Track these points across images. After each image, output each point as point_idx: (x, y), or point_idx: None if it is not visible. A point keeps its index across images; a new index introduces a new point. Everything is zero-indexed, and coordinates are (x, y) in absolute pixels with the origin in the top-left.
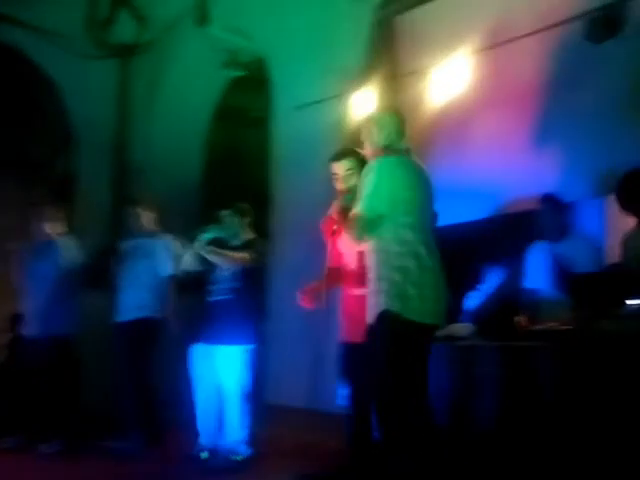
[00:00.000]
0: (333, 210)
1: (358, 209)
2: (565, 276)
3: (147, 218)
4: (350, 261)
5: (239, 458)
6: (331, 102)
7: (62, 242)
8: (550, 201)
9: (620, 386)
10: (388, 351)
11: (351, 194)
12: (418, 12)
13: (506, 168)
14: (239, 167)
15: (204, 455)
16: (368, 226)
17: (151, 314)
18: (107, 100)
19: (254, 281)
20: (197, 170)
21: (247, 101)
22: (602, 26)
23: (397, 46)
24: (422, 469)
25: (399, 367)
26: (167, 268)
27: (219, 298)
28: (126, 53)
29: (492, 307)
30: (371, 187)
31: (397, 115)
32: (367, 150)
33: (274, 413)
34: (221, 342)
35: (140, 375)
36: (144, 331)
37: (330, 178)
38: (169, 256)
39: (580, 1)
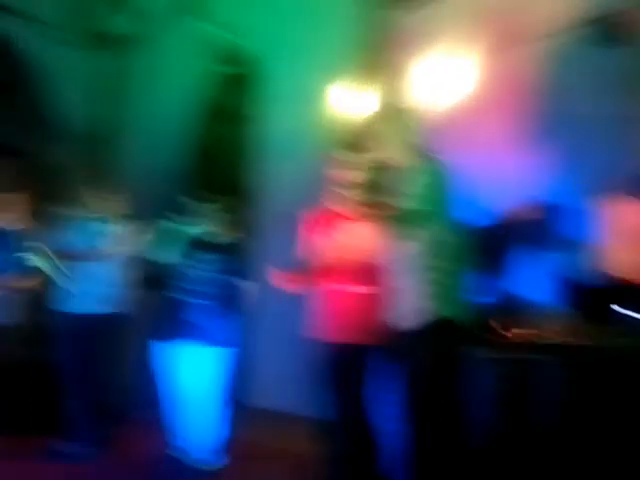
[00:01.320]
0: (335, 202)
1: (408, 206)
2: (569, 286)
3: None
4: (347, 256)
5: (212, 467)
6: (319, 98)
7: (17, 232)
8: (551, 207)
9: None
10: (440, 360)
11: (365, 186)
12: (419, 13)
13: (505, 172)
14: (227, 162)
15: (175, 455)
16: (419, 224)
17: (112, 307)
18: (99, 91)
19: (234, 284)
20: (185, 163)
21: (237, 97)
22: (608, 32)
23: (395, 43)
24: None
25: (445, 377)
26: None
27: (198, 302)
28: (119, 45)
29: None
30: (423, 186)
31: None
32: (392, 146)
33: (256, 417)
34: (199, 342)
35: (91, 371)
36: (103, 325)
37: (319, 173)
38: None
39: (586, 7)
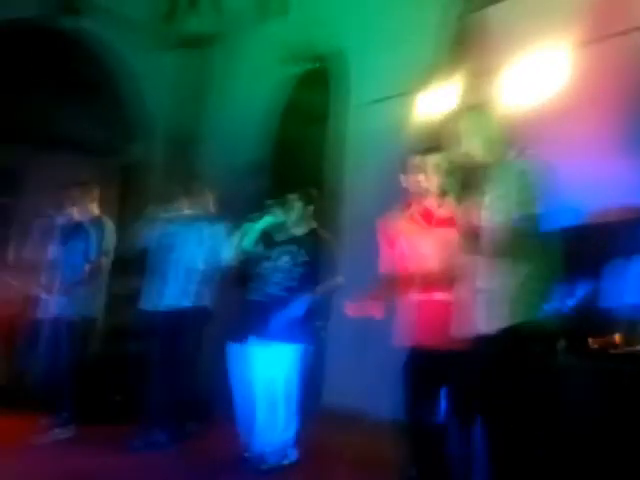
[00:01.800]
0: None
1: (495, 208)
2: None
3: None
4: (425, 264)
5: (285, 462)
6: (405, 98)
7: (96, 225)
8: None
9: None
10: (520, 368)
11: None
12: (503, 8)
13: (595, 174)
14: (310, 162)
15: (247, 455)
16: (507, 229)
17: (193, 304)
18: (179, 90)
19: (312, 280)
20: (265, 163)
21: (317, 95)
22: None
23: (479, 43)
24: None
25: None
26: (216, 256)
27: (272, 295)
28: (202, 45)
29: (577, 323)
30: (528, 192)
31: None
32: (479, 146)
33: (331, 417)
34: (272, 339)
35: (177, 367)
36: (185, 321)
37: (399, 175)
38: (218, 243)
39: None
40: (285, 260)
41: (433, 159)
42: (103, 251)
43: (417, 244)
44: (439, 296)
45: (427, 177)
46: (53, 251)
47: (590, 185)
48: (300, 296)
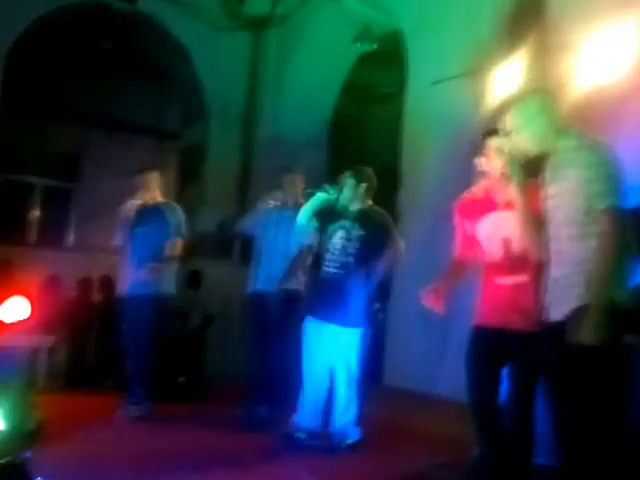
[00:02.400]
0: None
1: (607, 205)
2: None
3: (296, 188)
4: (495, 248)
5: (349, 441)
6: (469, 78)
7: (169, 208)
8: None
9: None
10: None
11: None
12: None
13: None
14: (367, 143)
15: (301, 435)
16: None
17: (293, 285)
18: (238, 72)
19: (369, 256)
20: (325, 145)
21: (378, 76)
22: None
23: (544, 18)
24: None
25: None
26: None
27: (330, 273)
28: (259, 26)
29: None
30: (609, 179)
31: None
32: (532, 136)
33: (392, 396)
34: (331, 321)
35: (279, 345)
36: (288, 302)
37: (464, 157)
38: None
39: None
40: (340, 236)
41: (494, 142)
42: (179, 233)
43: (484, 227)
44: (506, 278)
45: (489, 160)
46: (133, 233)
47: None
48: (358, 277)
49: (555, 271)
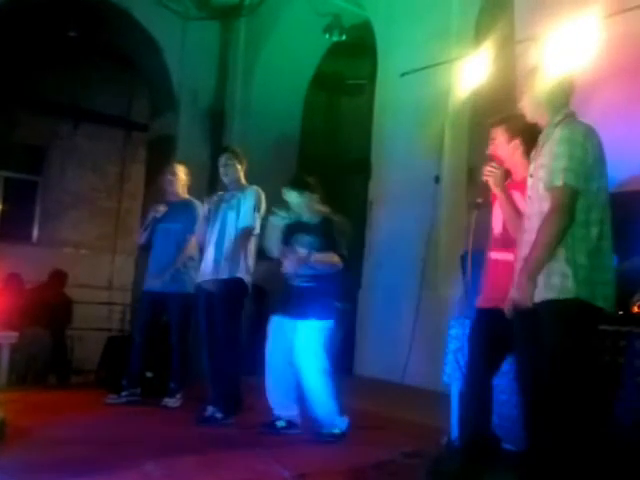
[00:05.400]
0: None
1: (559, 182)
2: None
3: (238, 171)
4: (496, 224)
5: (335, 431)
6: (438, 69)
7: (193, 204)
8: None
9: None
10: (573, 344)
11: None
12: None
13: (629, 143)
14: (339, 133)
15: (280, 424)
16: (573, 201)
17: (236, 273)
18: (208, 62)
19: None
20: (295, 135)
21: (349, 66)
22: None
23: (512, 11)
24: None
25: (581, 364)
26: (247, 220)
27: (300, 285)
28: (228, 15)
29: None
30: (568, 158)
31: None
32: (531, 102)
33: (362, 386)
34: (291, 315)
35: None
36: (230, 291)
37: (432, 147)
38: (251, 208)
39: None
40: (302, 248)
41: (499, 127)
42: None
43: (495, 209)
44: (497, 254)
45: (496, 145)
46: (156, 229)
47: (622, 153)
48: (320, 285)
49: (525, 249)
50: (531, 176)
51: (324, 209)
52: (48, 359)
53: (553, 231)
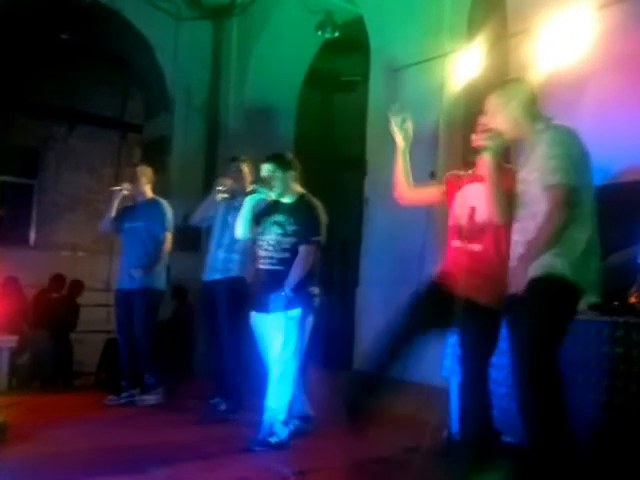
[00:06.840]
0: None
1: (556, 181)
2: None
3: (247, 176)
4: (462, 214)
5: (274, 439)
6: (432, 64)
7: (158, 203)
8: None
9: None
10: (549, 318)
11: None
12: None
13: (624, 135)
14: (334, 131)
15: (293, 422)
16: (571, 198)
17: (239, 274)
18: (201, 62)
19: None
20: (290, 132)
21: (342, 63)
22: None
23: (504, 4)
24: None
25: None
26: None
27: (268, 268)
28: (220, 15)
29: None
30: (562, 157)
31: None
32: (507, 120)
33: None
34: (260, 310)
35: (226, 337)
36: (235, 290)
37: (427, 142)
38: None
39: None
40: (275, 232)
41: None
42: (168, 227)
43: (460, 195)
44: (459, 242)
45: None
46: (123, 229)
47: (618, 145)
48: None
49: (520, 249)
50: (522, 182)
51: (300, 189)
52: (54, 363)
53: (555, 228)
